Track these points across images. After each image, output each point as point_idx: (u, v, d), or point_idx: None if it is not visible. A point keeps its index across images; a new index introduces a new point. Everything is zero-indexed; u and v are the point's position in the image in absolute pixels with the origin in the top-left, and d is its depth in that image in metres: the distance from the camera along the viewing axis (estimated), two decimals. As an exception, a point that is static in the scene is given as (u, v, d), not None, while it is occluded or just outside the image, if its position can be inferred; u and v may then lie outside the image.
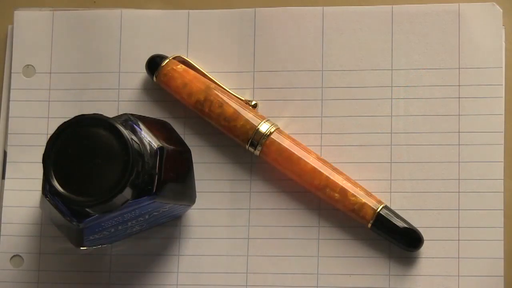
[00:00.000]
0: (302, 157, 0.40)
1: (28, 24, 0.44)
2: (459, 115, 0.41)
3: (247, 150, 0.41)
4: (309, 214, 0.41)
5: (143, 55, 0.43)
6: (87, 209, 0.33)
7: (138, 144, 0.34)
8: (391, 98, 0.42)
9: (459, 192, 0.40)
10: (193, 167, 0.39)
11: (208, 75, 0.42)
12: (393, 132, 0.41)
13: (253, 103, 0.41)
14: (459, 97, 0.41)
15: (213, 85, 0.41)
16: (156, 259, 0.42)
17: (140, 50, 0.43)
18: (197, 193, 0.40)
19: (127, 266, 0.42)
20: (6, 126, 0.43)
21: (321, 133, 0.42)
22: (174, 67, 0.42)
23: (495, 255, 0.40)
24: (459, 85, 0.41)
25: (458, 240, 0.40)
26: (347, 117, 0.42)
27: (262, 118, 0.41)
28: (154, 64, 0.42)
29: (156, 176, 0.35)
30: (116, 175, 0.32)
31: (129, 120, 0.36)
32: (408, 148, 0.41)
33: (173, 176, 0.36)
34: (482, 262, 0.40)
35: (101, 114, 0.34)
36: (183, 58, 0.42)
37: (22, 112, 0.43)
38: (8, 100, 0.43)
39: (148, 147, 0.35)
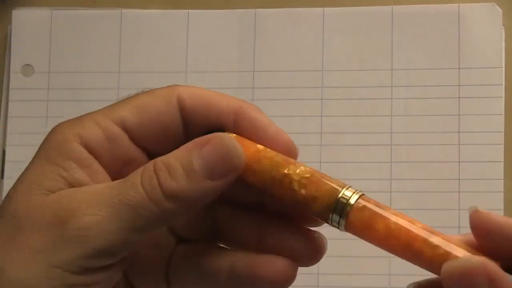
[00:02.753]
0: (403, 226, 0.25)
1: (26, 23, 0.44)
2: (459, 115, 0.41)
3: (331, 222, 0.25)
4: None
5: (143, 55, 0.43)
6: None
7: None
8: (391, 98, 0.42)
9: (459, 192, 0.41)
10: None
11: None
12: (393, 132, 0.41)
13: None
14: (459, 97, 0.41)
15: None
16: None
17: (140, 50, 0.43)
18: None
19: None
20: (5, 125, 0.43)
21: (321, 133, 0.42)
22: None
23: (495, 255, 0.40)
24: (459, 85, 0.41)
25: (458, 240, 0.40)
26: (347, 117, 0.42)
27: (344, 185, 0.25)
28: None
29: None
30: None
31: None
32: (408, 148, 0.41)
33: None
34: (482, 262, 0.40)
35: None
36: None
37: (21, 111, 0.43)
38: (7, 100, 0.43)
39: None
